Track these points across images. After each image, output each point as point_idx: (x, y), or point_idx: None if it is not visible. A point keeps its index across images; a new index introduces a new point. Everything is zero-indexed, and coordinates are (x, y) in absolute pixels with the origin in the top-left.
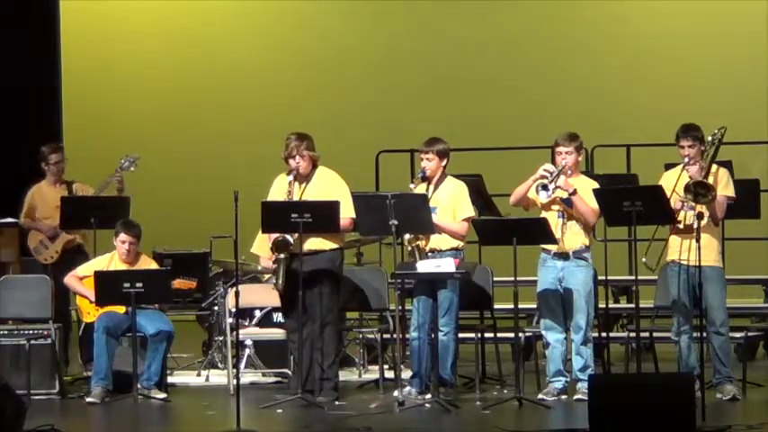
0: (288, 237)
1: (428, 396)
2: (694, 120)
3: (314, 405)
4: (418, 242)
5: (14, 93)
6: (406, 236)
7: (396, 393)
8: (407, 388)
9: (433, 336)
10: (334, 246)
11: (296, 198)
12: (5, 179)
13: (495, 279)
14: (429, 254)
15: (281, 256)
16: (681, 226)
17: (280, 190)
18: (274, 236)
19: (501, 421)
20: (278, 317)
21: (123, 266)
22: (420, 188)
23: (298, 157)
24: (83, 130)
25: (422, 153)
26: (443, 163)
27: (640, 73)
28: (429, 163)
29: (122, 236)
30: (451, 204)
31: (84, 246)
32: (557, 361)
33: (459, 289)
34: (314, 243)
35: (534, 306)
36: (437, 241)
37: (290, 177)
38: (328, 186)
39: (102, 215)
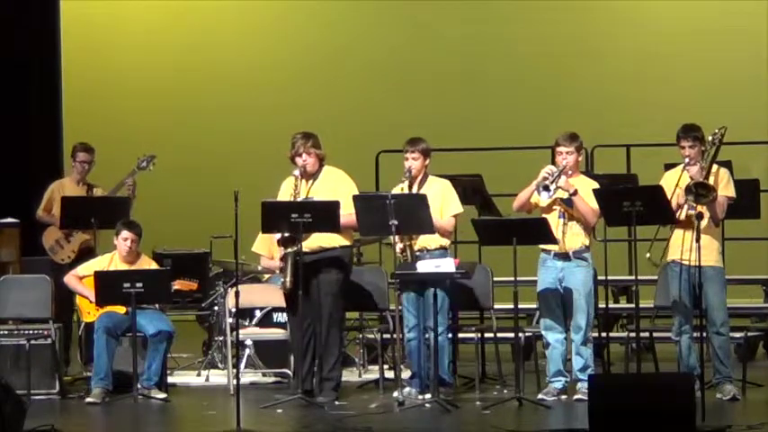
0: None
1: (428, 396)
2: (694, 120)
3: (314, 405)
4: (410, 242)
5: (15, 93)
6: (396, 237)
7: (396, 394)
8: (407, 388)
9: (427, 336)
10: (344, 243)
11: (303, 196)
12: (6, 180)
13: (495, 279)
14: (417, 253)
15: (289, 250)
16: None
17: (287, 192)
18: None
19: (501, 421)
20: (278, 317)
21: (123, 266)
22: (401, 189)
23: (305, 155)
24: (83, 130)
25: (406, 153)
26: (426, 162)
27: (640, 73)
28: (414, 162)
29: (125, 233)
30: (438, 202)
31: (95, 247)
32: (557, 361)
33: (449, 288)
34: (322, 240)
35: (534, 306)
36: (425, 240)
37: (297, 173)
38: (335, 184)
39: (102, 215)
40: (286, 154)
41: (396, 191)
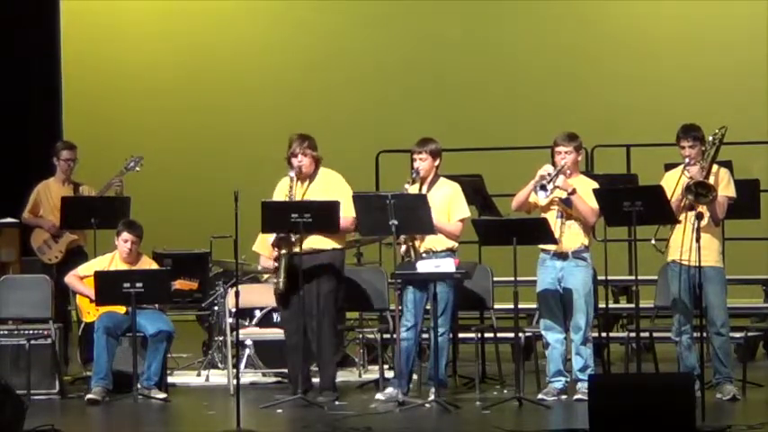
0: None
1: (419, 398)
2: (694, 120)
3: (314, 405)
4: (413, 242)
5: (15, 93)
6: (401, 238)
7: (378, 396)
8: (389, 389)
9: (426, 336)
10: (336, 245)
11: (298, 198)
12: (6, 179)
13: (495, 279)
14: (423, 254)
15: (283, 251)
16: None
17: (282, 192)
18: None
19: (501, 421)
20: (278, 317)
21: (124, 266)
22: (413, 189)
23: (300, 155)
24: (83, 130)
25: (414, 153)
26: (436, 163)
27: (640, 73)
28: (422, 163)
29: (125, 234)
30: (446, 205)
31: (84, 247)
32: (557, 361)
33: (455, 289)
34: (315, 242)
35: (534, 306)
36: (432, 242)
37: (292, 174)
38: (330, 186)
39: (102, 215)
40: (283, 155)
41: (410, 190)
